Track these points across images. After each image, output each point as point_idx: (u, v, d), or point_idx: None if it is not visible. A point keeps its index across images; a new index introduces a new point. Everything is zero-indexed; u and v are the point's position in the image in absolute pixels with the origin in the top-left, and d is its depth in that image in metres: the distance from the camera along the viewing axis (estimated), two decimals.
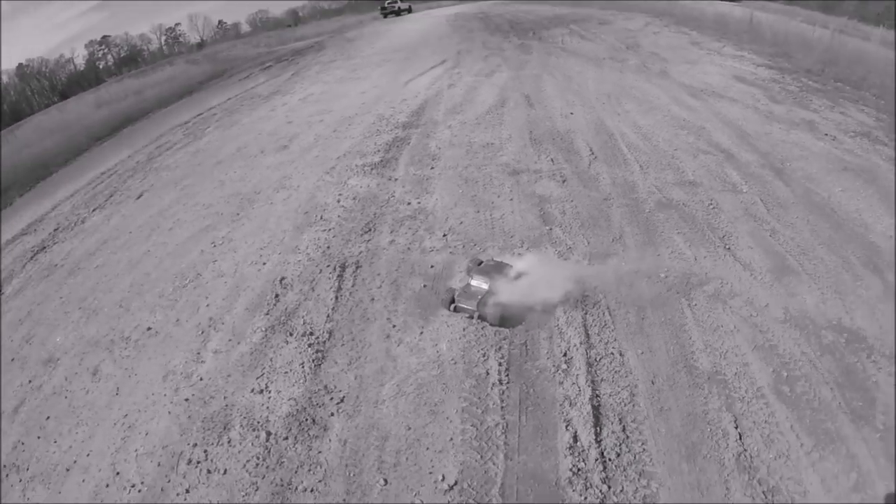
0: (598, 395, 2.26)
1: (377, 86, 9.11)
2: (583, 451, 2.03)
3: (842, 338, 2.40)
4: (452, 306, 2.89)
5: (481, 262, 3.14)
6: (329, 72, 11.92)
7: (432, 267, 3.40)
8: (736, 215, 3.47)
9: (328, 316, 3.15)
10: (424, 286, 3.23)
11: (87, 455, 2.59)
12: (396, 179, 4.85)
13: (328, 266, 3.66)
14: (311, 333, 3.03)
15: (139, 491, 2.33)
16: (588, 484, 1.90)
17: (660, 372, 2.33)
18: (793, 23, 10.56)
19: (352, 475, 2.14)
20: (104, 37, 47.99)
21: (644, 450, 1.99)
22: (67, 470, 2.54)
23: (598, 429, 2.10)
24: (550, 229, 3.57)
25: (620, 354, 2.45)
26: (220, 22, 53.87)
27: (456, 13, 24.10)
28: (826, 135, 4.77)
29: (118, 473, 2.44)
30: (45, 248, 5.44)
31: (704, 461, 1.91)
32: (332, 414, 2.45)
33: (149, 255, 4.57)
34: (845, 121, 5.15)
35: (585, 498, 1.85)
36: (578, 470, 1.95)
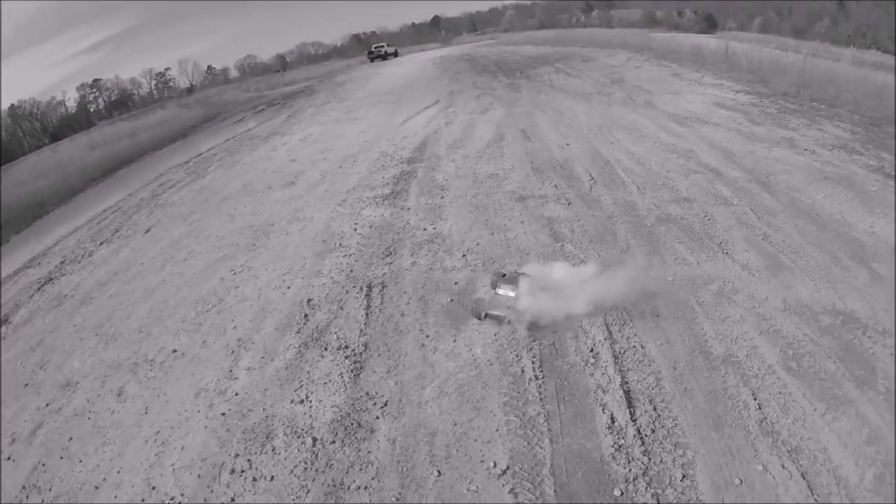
0: (627, 382, 2.48)
1: (375, 125, 9.51)
2: (621, 429, 2.22)
3: (838, 320, 2.68)
4: (483, 314, 3.10)
5: (504, 275, 3.37)
6: (324, 113, 12.40)
7: (456, 283, 3.61)
8: (730, 224, 3.80)
9: (361, 330, 3.31)
10: (451, 300, 3.42)
11: (118, 472, 2.63)
12: (409, 209, 5.10)
13: (354, 287, 3.84)
14: (346, 347, 3.17)
15: (179, 503, 2.38)
16: (630, 457, 2.09)
17: (679, 359, 2.57)
18: (766, 50, 11.38)
19: (404, 470, 2.26)
20: (95, 80, 48.77)
21: (676, 424, 2.21)
22: (96, 488, 2.57)
23: (631, 410, 2.31)
24: (562, 245, 3.85)
25: (642, 347, 2.69)
26: (209, 67, 55.39)
27: (441, 56, 25.25)
28: (805, 150, 5.21)
29: (154, 488, 2.49)
30: (52, 279, 5.53)
31: (731, 429, 2.13)
32: (378, 417, 2.58)
33: (165, 283, 4.69)
34: (822, 136, 5.62)
35: (630, 470, 2.03)
36: (620, 446, 2.15)
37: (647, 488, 1.95)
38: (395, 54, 33.45)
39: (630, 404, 2.34)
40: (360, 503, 2.16)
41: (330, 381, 2.92)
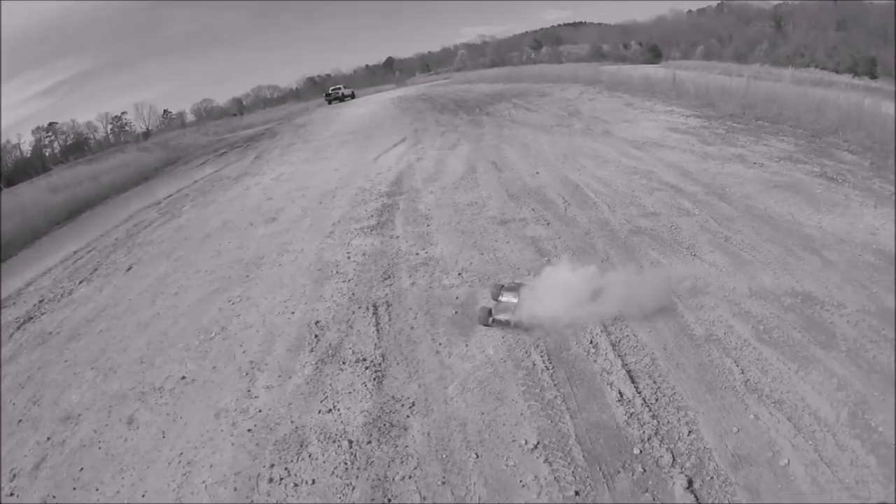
0: (626, 364, 2.85)
1: (347, 164, 9.78)
2: (629, 401, 2.58)
3: (798, 299, 3.20)
4: (491, 319, 3.40)
5: (503, 286, 3.71)
6: (292, 154, 12.58)
7: (457, 298, 3.89)
8: (694, 231, 4.35)
9: (375, 344, 3.51)
10: (456, 312, 3.70)
11: (143, 496, 2.66)
12: (398, 237, 5.36)
13: (360, 308, 4.04)
14: (364, 360, 3.36)
15: None
16: (642, 422, 2.43)
17: (668, 342, 2.98)
18: (711, 76, 12.43)
19: (444, 457, 2.47)
20: (51, 123, 46.94)
21: (675, 392, 2.59)
22: None
23: (636, 385, 2.68)
24: (548, 259, 4.25)
25: (634, 335, 3.08)
26: (165, 111, 54.42)
27: (399, 96, 26.03)
28: (755, 163, 5.94)
29: None
30: (31, 318, 5.41)
31: (722, 391, 2.54)
32: (408, 416, 2.78)
33: (159, 317, 4.71)
34: (769, 150, 6.40)
35: (643, 431, 2.38)
36: (631, 414, 2.49)
37: (661, 444, 2.30)
38: (353, 96, 34.21)
39: (633, 381, 2.71)
40: (408, 490, 2.35)
41: (354, 390, 3.09)
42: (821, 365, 2.61)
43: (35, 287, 6.35)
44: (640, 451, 2.28)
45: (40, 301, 5.80)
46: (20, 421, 3.57)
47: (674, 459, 2.21)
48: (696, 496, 2.04)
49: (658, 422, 2.42)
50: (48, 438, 3.30)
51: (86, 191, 11.44)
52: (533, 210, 5.44)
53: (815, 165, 5.64)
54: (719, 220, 4.50)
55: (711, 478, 2.10)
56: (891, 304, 3.03)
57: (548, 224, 5.00)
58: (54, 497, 2.79)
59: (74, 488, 2.82)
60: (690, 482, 2.10)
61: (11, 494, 2.88)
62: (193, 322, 4.44)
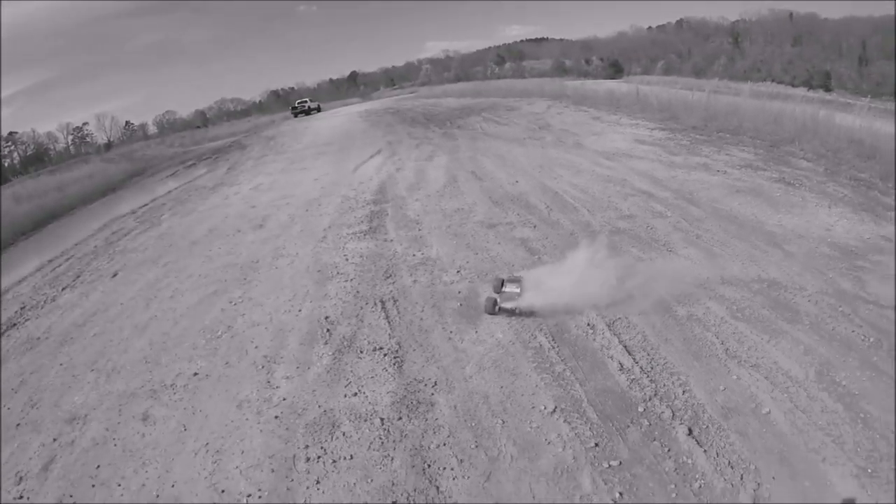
0: (622, 341, 3.27)
1: (326, 174, 9.90)
2: (629, 370, 2.99)
3: (764, 285, 3.74)
4: (497, 308, 3.74)
5: (504, 279, 4.06)
6: (266, 165, 12.55)
7: (459, 292, 4.20)
8: (668, 231, 4.88)
9: (389, 334, 3.76)
10: (460, 305, 4.01)
11: (172, 486, 2.72)
12: (392, 240, 5.60)
13: (367, 304, 4.26)
14: (381, 348, 3.60)
15: (259, 497, 2.54)
16: (642, 386, 2.84)
17: (655, 322, 3.43)
18: (673, 90, 13.24)
19: (473, 425, 2.77)
20: (11, 133, 44.13)
21: (667, 361, 3.02)
22: None
23: (633, 357, 3.10)
24: (539, 257, 4.65)
25: (626, 317, 3.51)
26: (127, 123, 52.46)
27: (366, 110, 26.15)
28: (718, 171, 6.61)
29: (224, 491, 2.62)
30: (15, 324, 5.32)
31: (707, 358, 3.00)
32: (433, 394, 3.06)
33: (157, 319, 4.75)
34: (731, 159, 7.12)
35: (644, 393, 2.78)
36: (632, 380, 2.90)
37: (661, 402, 2.71)
38: (319, 109, 34.27)
39: (630, 353, 3.13)
40: (445, 456, 2.61)
41: (376, 375, 3.33)
42: (788, 335, 3.12)
43: (13, 294, 6.18)
44: (644, 409, 2.68)
45: (22, 308, 5.67)
46: (18, 425, 3.54)
47: (673, 414, 2.62)
48: (696, 441, 2.45)
49: (656, 385, 2.83)
50: (54, 440, 3.29)
51: (52, 201, 11.05)
52: (518, 215, 5.85)
53: (774, 172, 6.38)
54: (690, 221, 5.06)
55: (707, 426, 2.53)
56: (846, 286, 3.62)
57: (534, 227, 5.42)
58: (71, 496, 2.80)
59: (93, 486, 2.84)
60: (690, 430, 2.51)
61: (20, 497, 2.87)
62: (196, 322, 4.51)
